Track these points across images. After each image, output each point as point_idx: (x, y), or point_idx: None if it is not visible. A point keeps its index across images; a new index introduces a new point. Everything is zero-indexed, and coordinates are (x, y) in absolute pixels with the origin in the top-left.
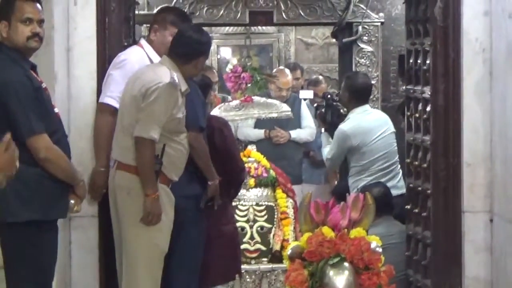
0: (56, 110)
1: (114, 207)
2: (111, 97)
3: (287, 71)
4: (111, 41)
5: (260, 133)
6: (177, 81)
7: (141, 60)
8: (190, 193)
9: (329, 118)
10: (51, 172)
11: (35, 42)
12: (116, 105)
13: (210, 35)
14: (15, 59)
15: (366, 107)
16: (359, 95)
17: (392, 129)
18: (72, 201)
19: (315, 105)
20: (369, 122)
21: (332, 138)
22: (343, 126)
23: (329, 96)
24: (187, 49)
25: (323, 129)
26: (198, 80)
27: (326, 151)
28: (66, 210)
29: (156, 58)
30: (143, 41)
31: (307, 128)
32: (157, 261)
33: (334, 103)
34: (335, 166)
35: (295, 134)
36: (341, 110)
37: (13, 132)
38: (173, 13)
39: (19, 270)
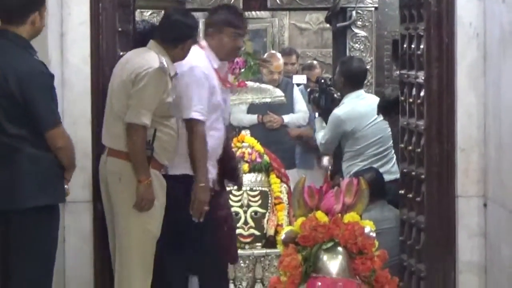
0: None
1: (106, 194)
2: (198, 112)
3: (279, 55)
4: (105, 26)
5: (253, 118)
6: (166, 65)
7: (208, 66)
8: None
9: (323, 103)
10: (61, 158)
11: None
12: (204, 117)
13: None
14: (25, 46)
15: (361, 92)
16: (353, 80)
17: None
18: (66, 186)
19: (309, 90)
20: (364, 107)
21: (326, 123)
22: (338, 111)
23: (322, 81)
24: (174, 33)
25: (316, 114)
26: None
27: (320, 135)
28: (65, 194)
29: (215, 62)
30: (204, 43)
31: (300, 113)
32: (149, 246)
33: (328, 88)
34: (329, 150)
35: (288, 118)
36: (335, 95)
37: (32, 123)
38: (224, 13)
39: (28, 256)
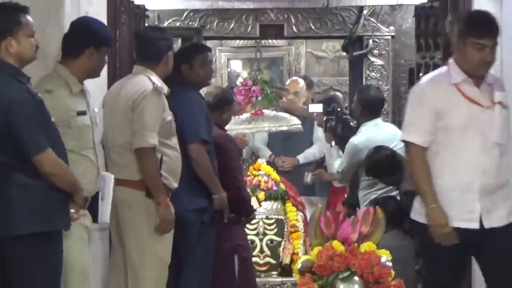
0: (52, 119)
1: (115, 220)
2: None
3: (300, 80)
4: (122, 54)
5: (266, 154)
6: (159, 84)
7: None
8: (194, 207)
9: (340, 131)
10: (57, 184)
11: (36, 53)
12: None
13: (221, 48)
14: (12, 73)
15: (378, 120)
16: (371, 108)
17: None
18: (72, 210)
19: (325, 118)
20: (381, 136)
21: (342, 151)
22: (354, 140)
23: (339, 109)
24: (151, 50)
25: (333, 143)
26: (217, 94)
27: (337, 164)
28: (69, 220)
29: None
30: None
31: (316, 144)
32: (162, 272)
33: (344, 116)
34: (346, 179)
35: (303, 158)
36: (351, 123)
37: (19, 150)
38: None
39: (25, 284)
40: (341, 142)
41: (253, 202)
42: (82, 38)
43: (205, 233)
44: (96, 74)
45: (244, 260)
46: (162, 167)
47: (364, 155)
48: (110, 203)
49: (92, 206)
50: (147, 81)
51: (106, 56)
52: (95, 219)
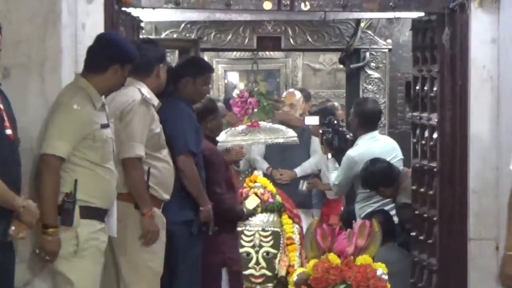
0: (8, 132)
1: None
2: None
3: (296, 92)
4: None
5: (263, 167)
6: (148, 96)
7: None
8: (182, 219)
9: (336, 143)
10: None
11: None
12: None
13: (218, 59)
14: None
15: (375, 133)
16: (368, 121)
17: (400, 155)
18: (13, 227)
19: (321, 131)
20: (378, 149)
21: (338, 163)
22: (351, 152)
23: (335, 121)
24: (142, 62)
25: (329, 155)
26: (201, 104)
27: (333, 176)
28: (4, 234)
29: None
30: None
31: (313, 157)
32: (153, 283)
33: (340, 129)
34: (343, 191)
35: (300, 171)
36: (348, 136)
37: None
38: None
39: None
40: (338, 155)
41: (252, 199)
42: (109, 56)
43: (193, 245)
44: (117, 89)
45: (234, 273)
46: (150, 179)
47: (361, 168)
48: (116, 216)
49: None
50: (136, 92)
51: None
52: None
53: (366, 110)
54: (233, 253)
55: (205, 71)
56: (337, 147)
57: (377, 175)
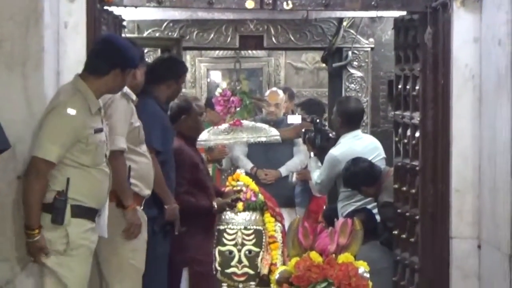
0: None
1: None
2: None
3: (279, 91)
4: None
5: (247, 167)
6: (128, 90)
7: None
8: (146, 216)
9: (319, 142)
10: None
11: None
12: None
13: (200, 58)
14: None
15: (358, 132)
16: (351, 120)
17: (383, 154)
18: None
19: (303, 130)
20: (360, 147)
21: (321, 162)
22: (334, 151)
23: (317, 120)
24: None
25: (312, 154)
26: (175, 104)
27: (316, 175)
28: None
29: None
30: None
31: (297, 156)
32: (136, 280)
33: (323, 128)
34: (325, 190)
35: (285, 171)
36: (330, 135)
37: None
38: None
39: None
40: (320, 153)
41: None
42: (111, 59)
43: (158, 244)
44: (116, 92)
45: (195, 274)
46: (131, 175)
47: (343, 167)
48: (107, 216)
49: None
50: None
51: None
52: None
53: (348, 109)
54: (200, 254)
55: (184, 72)
56: (320, 146)
57: (358, 174)
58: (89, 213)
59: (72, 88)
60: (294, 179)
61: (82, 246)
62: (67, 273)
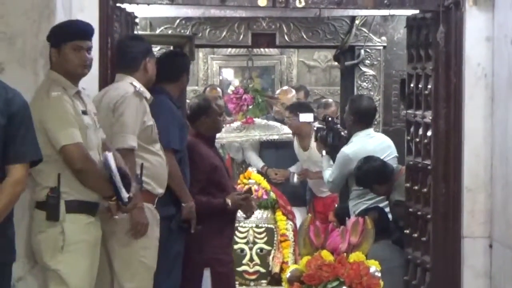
0: None
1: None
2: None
3: (291, 90)
4: (114, 60)
5: (258, 165)
6: (141, 89)
7: None
8: (162, 214)
9: (331, 141)
10: None
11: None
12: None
13: (212, 56)
14: None
15: (370, 130)
16: (363, 118)
17: (395, 153)
18: None
19: (315, 128)
20: (372, 146)
21: (333, 161)
22: (346, 149)
23: (330, 119)
24: (128, 57)
25: (324, 152)
26: (194, 103)
27: (328, 174)
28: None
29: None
30: None
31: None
32: (147, 278)
33: (335, 126)
34: (337, 189)
35: (295, 170)
36: (342, 133)
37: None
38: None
39: None
40: (332, 152)
41: None
42: (50, 40)
43: (174, 242)
44: (74, 71)
45: (218, 275)
46: (144, 173)
47: (355, 165)
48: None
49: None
50: (129, 86)
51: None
52: (120, 198)
53: (361, 107)
54: (220, 254)
55: (190, 63)
56: (332, 144)
57: (371, 173)
58: (87, 208)
59: (44, 81)
60: (295, 179)
61: (80, 241)
62: (67, 270)
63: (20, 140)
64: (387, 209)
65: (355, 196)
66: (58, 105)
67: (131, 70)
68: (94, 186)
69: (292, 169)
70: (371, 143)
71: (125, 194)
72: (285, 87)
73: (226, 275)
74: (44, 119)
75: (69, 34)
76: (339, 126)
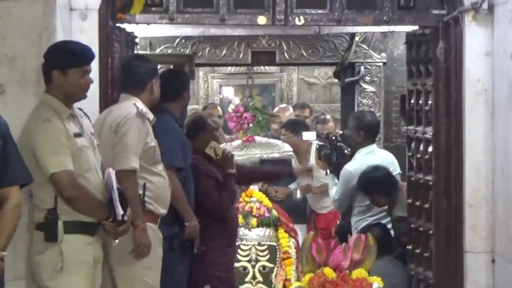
0: None
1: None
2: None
3: (289, 107)
4: (115, 81)
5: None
6: (144, 110)
7: None
8: (166, 234)
9: (335, 159)
10: None
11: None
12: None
13: (213, 74)
14: None
15: (373, 146)
16: (369, 133)
17: (398, 170)
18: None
19: (317, 146)
20: (375, 162)
21: (337, 179)
22: (349, 167)
23: (333, 137)
24: (132, 79)
25: (328, 171)
26: (190, 121)
27: (333, 192)
28: None
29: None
30: None
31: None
32: None
33: (339, 144)
34: (343, 206)
35: (295, 186)
36: (345, 151)
37: None
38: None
39: None
40: (336, 170)
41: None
42: (47, 64)
43: (178, 262)
44: (76, 95)
45: None
46: (146, 194)
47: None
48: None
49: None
50: (132, 106)
51: (88, 76)
52: (115, 217)
53: (370, 122)
54: (220, 271)
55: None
56: (336, 162)
57: (375, 180)
58: (85, 228)
59: (37, 105)
60: (299, 195)
61: (80, 262)
62: None
63: (14, 161)
64: (389, 226)
65: (357, 212)
66: (48, 131)
67: (138, 91)
68: (86, 211)
69: (293, 185)
70: (374, 159)
71: (120, 211)
72: (283, 105)
73: None
74: (35, 145)
75: (79, 60)
76: (342, 144)
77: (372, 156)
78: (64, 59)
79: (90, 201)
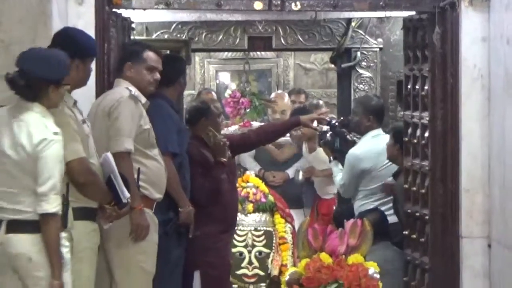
0: None
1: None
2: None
3: (285, 94)
4: (111, 66)
5: (255, 169)
6: (136, 93)
7: None
8: (161, 219)
9: (338, 145)
10: None
11: None
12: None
13: (209, 60)
14: None
15: (379, 130)
16: (377, 116)
17: None
18: None
19: (318, 133)
20: (380, 146)
21: (342, 165)
22: (355, 150)
23: (336, 123)
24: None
25: (331, 157)
26: (193, 107)
27: (339, 178)
28: None
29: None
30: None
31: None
32: (146, 283)
33: (341, 130)
34: (350, 192)
35: (292, 173)
36: (348, 136)
37: None
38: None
39: None
40: (340, 156)
41: None
42: (67, 52)
43: (171, 248)
44: (84, 84)
45: (209, 277)
46: (141, 178)
47: (366, 165)
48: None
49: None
50: (124, 90)
51: (93, 64)
52: (118, 200)
53: (375, 105)
54: (213, 257)
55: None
56: (339, 149)
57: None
58: (89, 213)
59: None
60: (300, 177)
61: (86, 248)
62: (73, 277)
63: None
64: (390, 211)
65: (362, 196)
66: (61, 119)
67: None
68: (95, 197)
69: (289, 171)
70: (379, 143)
71: (126, 194)
72: (279, 91)
73: (218, 278)
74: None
75: (94, 50)
76: (343, 129)
77: (377, 140)
78: (85, 48)
79: (101, 186)
